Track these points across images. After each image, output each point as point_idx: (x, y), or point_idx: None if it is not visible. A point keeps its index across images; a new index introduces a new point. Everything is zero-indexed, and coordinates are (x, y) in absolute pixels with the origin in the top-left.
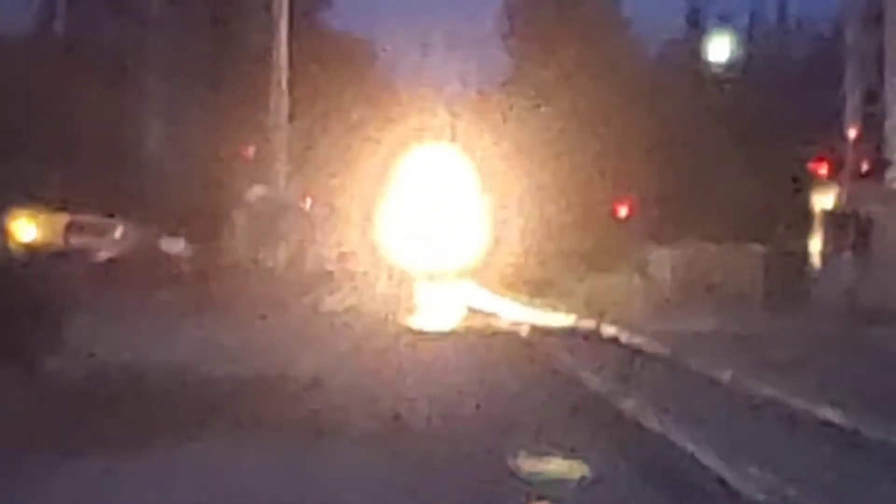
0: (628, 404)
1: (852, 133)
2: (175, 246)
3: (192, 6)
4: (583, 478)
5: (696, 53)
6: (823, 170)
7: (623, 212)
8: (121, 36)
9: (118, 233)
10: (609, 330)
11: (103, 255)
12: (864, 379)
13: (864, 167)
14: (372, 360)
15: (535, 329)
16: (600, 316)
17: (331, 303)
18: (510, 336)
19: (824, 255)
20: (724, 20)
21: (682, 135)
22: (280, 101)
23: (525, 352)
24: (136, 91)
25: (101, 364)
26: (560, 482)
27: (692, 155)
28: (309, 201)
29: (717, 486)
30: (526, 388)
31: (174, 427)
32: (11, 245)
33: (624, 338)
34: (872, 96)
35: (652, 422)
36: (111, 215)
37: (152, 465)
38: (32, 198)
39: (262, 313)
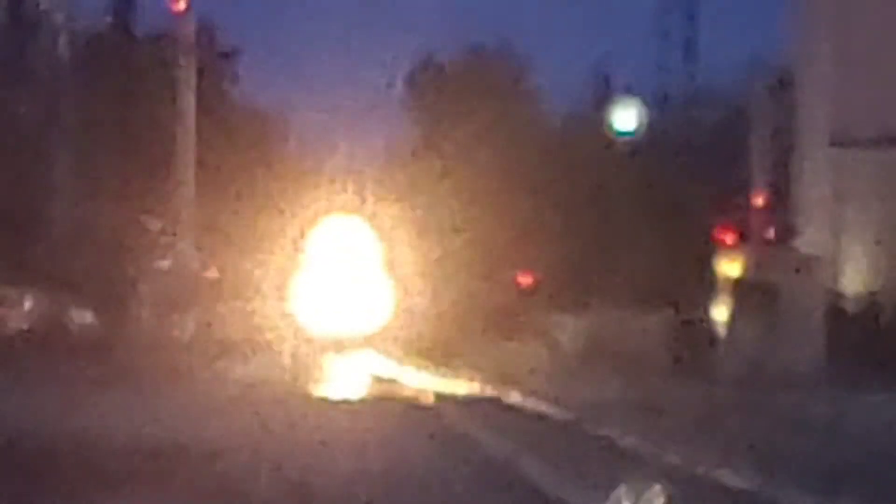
0: (529, 470)
1: (759, 201)
2: (83, 317)
3: (100, 78)
4: None
5: (602, 123)
6: (729, 237)
7: (526, 281)
8: (28, 106)
9: (27, 304)
10: (514, 398)
11: (12, 326)
12: (767, 445)
13: (771, 234)
14: (277, 430)
15: (439, 397)
16: (504, 384)
17: (238, 372)
18: (414, 404)
19: (730, 323)
20: (631, 89)
21: (588, 203)
22: (187, 172)
23: (428, 419)
24: (43, 162)
25: (8, 433)
26: None
27: (598, 223)
28: (215, 272)
29: None
30: (429, 453)
31: (76, 496)
32: None
33: (528, 405)
34: (780, 164)
35: (552, 487)
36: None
37: None
38: None
39: (169, 383)
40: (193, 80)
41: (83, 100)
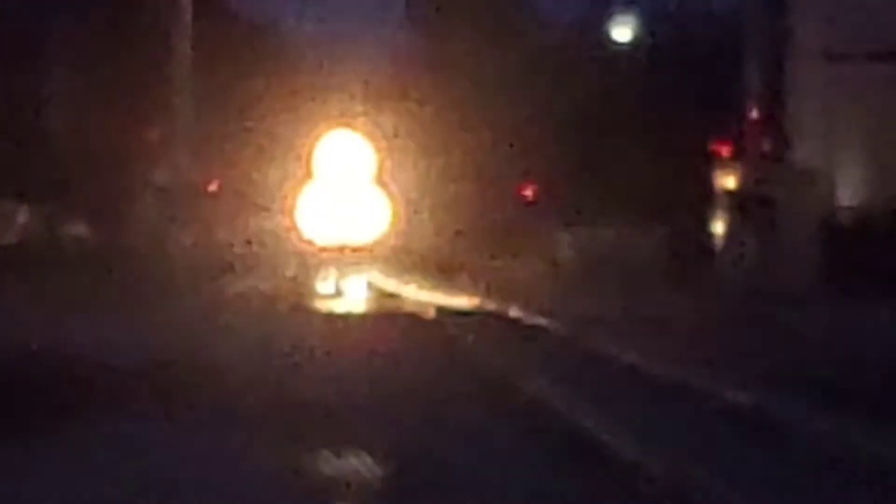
0: (531, 384)
1: (754, 114)
2: (78, 230)
3: None
4: None
5: (600, 34)
6: (726, 150)
7: (528, 194)
8: (20, 18)
9: (21, 217)
10: (514, 312)
11: (6, 239)
12: (767, 357)
13: (766, 148)
14: (280, 344)
15: (440, 310)
16: (505, 298)
17: (238, 287)
18: (416, 317)
19: (727, 236)
20: (629, 3)
21: (586, 117)
22: (184, 84)
23: (430, 333)
24: (37, 74)
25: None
26: None
27: (596, 137)
28: (215, 185)
29: (624, 464)
30: (430, 367)
31: (74, 413)
32: None
33: (528, 319)
34: (775, 79)
35: (556, 402)
36: (15, 199)
37: (47, 451)
38: None
39: (167, 299)
40: None
41: (78, 9)
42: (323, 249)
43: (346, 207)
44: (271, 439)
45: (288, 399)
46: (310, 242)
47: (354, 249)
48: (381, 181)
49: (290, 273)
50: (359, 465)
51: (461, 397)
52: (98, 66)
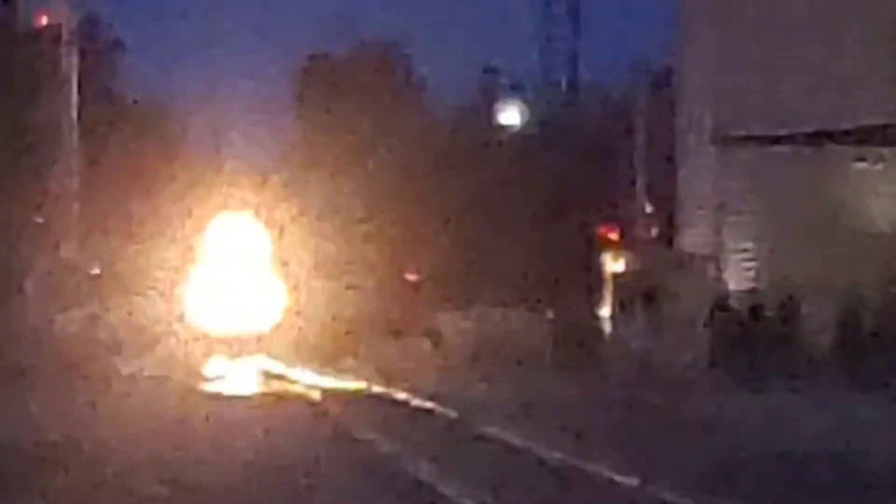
0: (413, 465)
1: (642, 200)
2: None
3: None
4: None
5: (488, 120)
6: (613, 236)
7: (414, 279)
8: None
9: None
10: (400, 395)
11: None
12: (649, 442)
13: (654, 233)
14: (168, 425)
15: (326, 393)
16: (391, 381)
17: (125, 369)
18: (302, 400)
19: (614, 321)
20: (517, 86)
21: (474, 201)
22: (71, 166)
23: (316, 415)
24: None
25: None
26: None
27: (483, 220)
28: (98, 268)
29: None
30: (315, 448)
31: None
32: None
33: (414, 402)
34: (663, 163)
35: (438, 483)
36: None
37: None
38: None
39: (57, 379)
40: (76, 74)
41: None
42: (213, 333)
43: (238, 294)
44: None
45: (166, 479)
46: (199, 326)
47: (245, 337)
48: (273, 268)
49: (178, 356)
50: None
51: (340, 479)
52: None
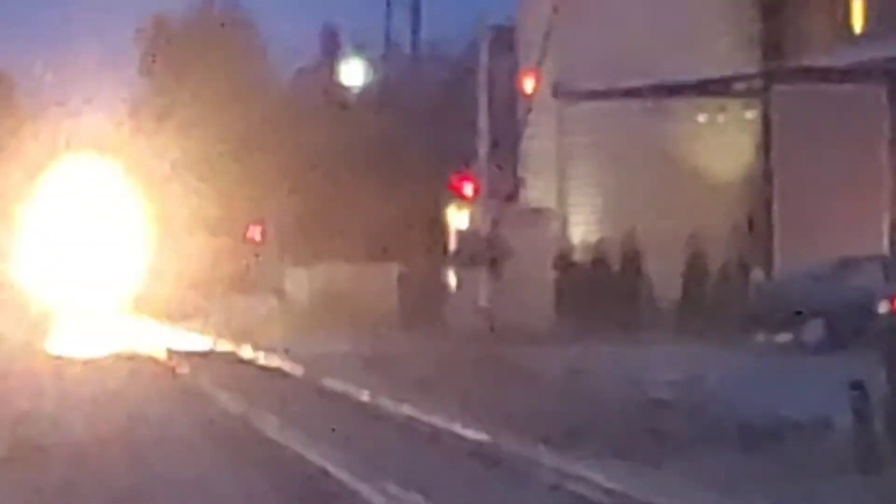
0: (260, 422)
1: (487, 155)
2: None
3: None
4: None
5: (330, 78)
6: (459, 193)
7: (257, 235)
8: None
9: None
10: (245, 352)
11: None
12: (490, 396)
13: (501, 188)
14: (15, 385)
15: (173, 353)
16: (237, 338)
17: None
18: (149, 360)
19: (460, 277)
20: (359, 46)
21: (317, 158)
22: None
23: (162, 374)
24: None
25: None
26: None
27: (327, 178)
28: None
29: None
30: (160, 406)
31: None
32: None
33: (259, 359)
34: (507, 118)
35: (282, 437)
36: None
37: None
38: None
39: None
40: None
41: None
42: (59, 293)
43: (81, 258)
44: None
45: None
46: (44, 286)
47: (90, 294)
48: (118, 231)
49: (22, 317)
50: None
51: (185, 434)
52: None
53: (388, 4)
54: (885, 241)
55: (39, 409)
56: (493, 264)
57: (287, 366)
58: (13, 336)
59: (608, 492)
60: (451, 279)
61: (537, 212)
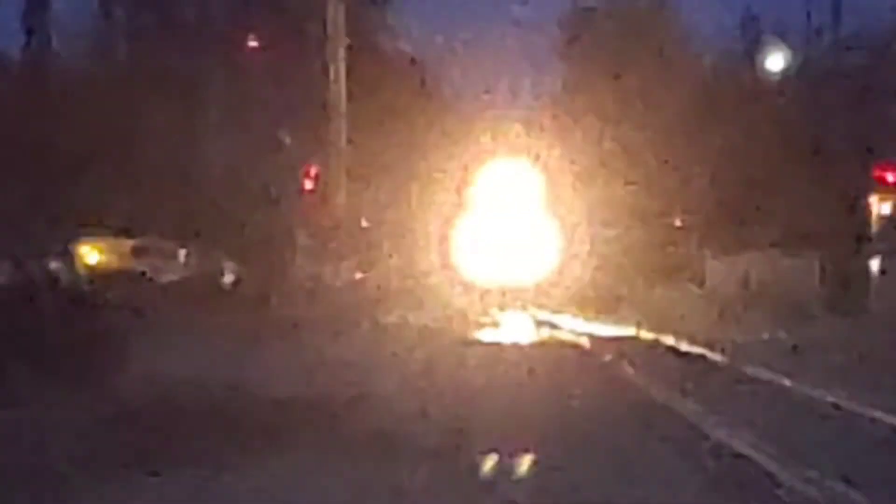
0: (685, 409)
1: None
2: (235, 267)
3: (251, 30)
4: None
5: (750, 66)
6: (887, 178)
7: (679, 224)
8: (180, 61)
9: (181, 256)
10: (668, 340)
11: (167, 277)
12: None
13: None
14: (445, 371)
15: (596, 340)
16: (659, 326)
17: (395, 318)
18: (573, 347)
19: (882, 264)
20: (779, 33)
21: (739, 146)
22: (338, 123)
23: (586, 361)
24: (200, 116)
25: (167, 383)
26: None
27: (749, 166)
28: (364, 221)
29: (776, 488)
30: (587, 391)
31: (245, 446)
32: (79, 268)
33: (683, 347)
34: None
35: (702, 422)
36: (175, 238)
37: (221, 483)
38: (98, 223)
39: (334, 331)
40: (342, 28)
41: (231, 53)
42: (485, 282)
43: (509, 241)
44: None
45: (451, 425)
46: (470, 277)
47: (516, 287)
48: (546, 216)
49: (452, 305)
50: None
51: (613, 420)
52: (252, 110)
53: None
54: None
55: (474, 393)
56: None
57: (710, 353)
58: (442, 325)
59: None
60: (875, 267)
61: None
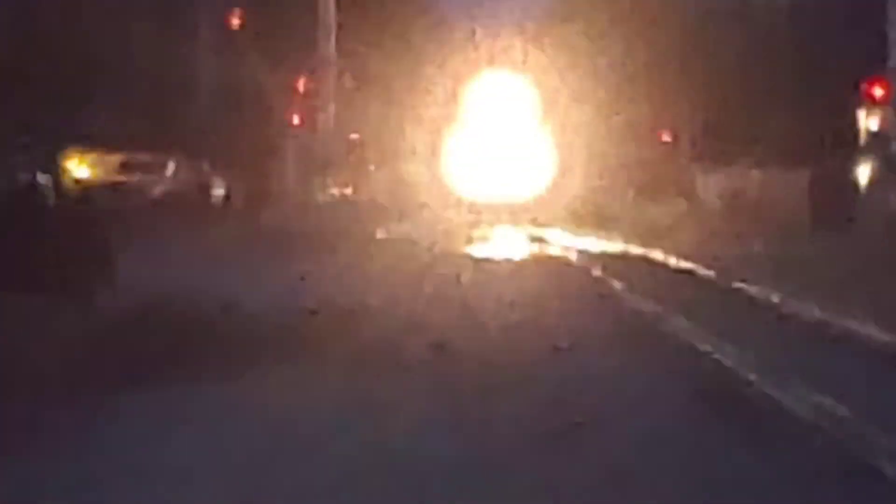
0: (670, 323)
1: None
2: (224, 180)
3: None
4: None
5: None
6: (879, 91)
7: (667, 137)
8: None
9: (170, 170)
10: (657, 255)
11: (156, 191)
12: None
13: None
14: (434, 284)
15: (585, 255)
16: (649, 241)
17: (384, 233)
18: (563, 262)
19: (870, 179)
20: None
21: (727, 64)
22: (327, 35)
23: (576, 275)
24: (187, 29)
25: (154, 297)
26: None
27: (736, 83)
28: (355, 135)
29: (760, 399)
30: (576, 306)
31: (225, 358)
32: (67, 183)
33: (671, 262)
34: None
35: (688, 336)
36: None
37: (203, 396)
38: (86, 137)
39: (322, 244)
40: None
41: None
42: (477, 197)
43: (501, 155)
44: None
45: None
46: (462, 190)
47: (507, 198)
48: (532, 139)
49: (441, 220)
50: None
51: (600, 332)
52: (247, 23)
53: None
54: None
55: (464, 305)
56: None
57: (697, 268)
58: (435, 239)
59: None
60: (862, 182)
61: None
